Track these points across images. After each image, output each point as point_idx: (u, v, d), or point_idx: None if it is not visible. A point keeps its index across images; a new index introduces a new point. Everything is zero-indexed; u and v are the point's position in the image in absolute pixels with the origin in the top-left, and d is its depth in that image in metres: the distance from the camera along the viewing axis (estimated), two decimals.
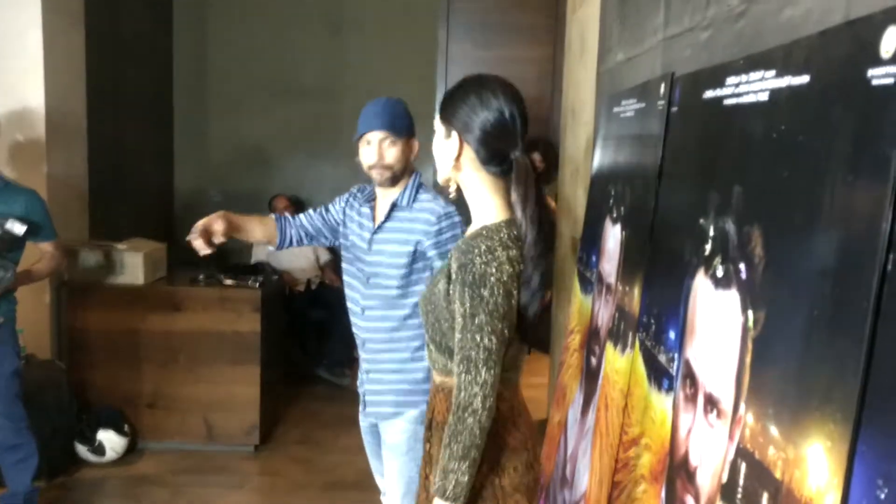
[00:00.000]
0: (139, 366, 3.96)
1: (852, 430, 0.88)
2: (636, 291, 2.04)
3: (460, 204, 2.14)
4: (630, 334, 2.07)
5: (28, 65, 3.68)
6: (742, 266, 1.29)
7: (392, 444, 2.31)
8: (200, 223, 2.30)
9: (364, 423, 2.48)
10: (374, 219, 2.31)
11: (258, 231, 2.48)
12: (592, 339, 2.58)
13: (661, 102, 1.95)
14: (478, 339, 1.49)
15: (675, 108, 1.87)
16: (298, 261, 5.50)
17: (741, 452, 1.21)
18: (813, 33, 1.13)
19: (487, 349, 1.48)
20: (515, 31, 5.99)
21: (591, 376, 2.52)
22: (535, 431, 1.66)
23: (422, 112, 6.19)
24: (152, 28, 5.64)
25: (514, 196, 1.55)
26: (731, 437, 1.26)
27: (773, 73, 1.24)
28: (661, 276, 1.83)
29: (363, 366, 2.38)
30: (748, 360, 1.22)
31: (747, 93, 1.36)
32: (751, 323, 1.23)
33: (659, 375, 1.73)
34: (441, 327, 1.62)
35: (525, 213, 1.54)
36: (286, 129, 6.00)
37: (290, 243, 2.51)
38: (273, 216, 2.54)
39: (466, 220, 1.82)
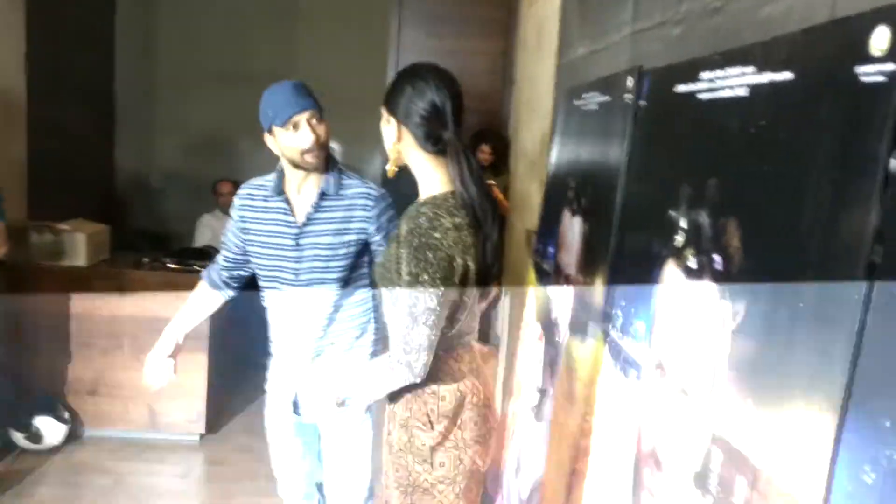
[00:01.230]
0: (81, 351, 3.85)
1: (838, 418, 0.90)
2: (599, 283, 2.07)
3: (400, 182, 2.23)
4: (592, 325, 2.09)
5: None
6: (717, 258, 1.31)
7: (340, 439, 2.26)
8: (149, 371, 2.22)
9: (285, 422, 2.33)
10: (292, 212, 2.16)
11: (206, 307, 2.38)
12: (550, 330, 2.60)
13: (629, 96, 1.97)
14: (421, 297, 1.62)
15: (643, 102, 1.89)
16: None
17: (716, 440, 1.23)
18: (795, 30, 1.15)
19: (430, 308, 1.62)
20: (468, 22, 5.99)
21: (548, 367, 2.54)
22: (490, 389, 1.83)
23: (373, 101, 6.11)
24: (94, 7, 5.47)
25: (450, 170, 1.73)
26: (704, 425, 1.29)
27: (752, 69, 1.27)
28: (628, 267, 1.85)
29: (291, 367, 2.24)
30: (725, 350, 1.25)
31: (723, 87, 1.38)
32: (728, 314, 1.25)
33: (626, 366, 1.75)
34: (398, 292, 1.75)
35: (462, 183, 1.71)
36: (233, 115, 5.87)
37: (238, 284, 2.38)
38: (202, 281, 2.41)
39: (413, 195, 1.93)
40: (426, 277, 1.61)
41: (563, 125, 2.85)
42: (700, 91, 1.48)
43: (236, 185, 5.63)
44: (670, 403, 1.46)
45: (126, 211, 5.99)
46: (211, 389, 3.98)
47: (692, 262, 1.42)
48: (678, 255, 1.49)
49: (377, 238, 2.14)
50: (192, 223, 5.55)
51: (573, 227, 2.46)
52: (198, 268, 3.94)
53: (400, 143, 1.79)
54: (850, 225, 0.94)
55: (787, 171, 1.13)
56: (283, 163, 2.16)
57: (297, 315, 2.17)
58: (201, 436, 4.00)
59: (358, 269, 2.17)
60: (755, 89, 1.25)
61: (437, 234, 1.64)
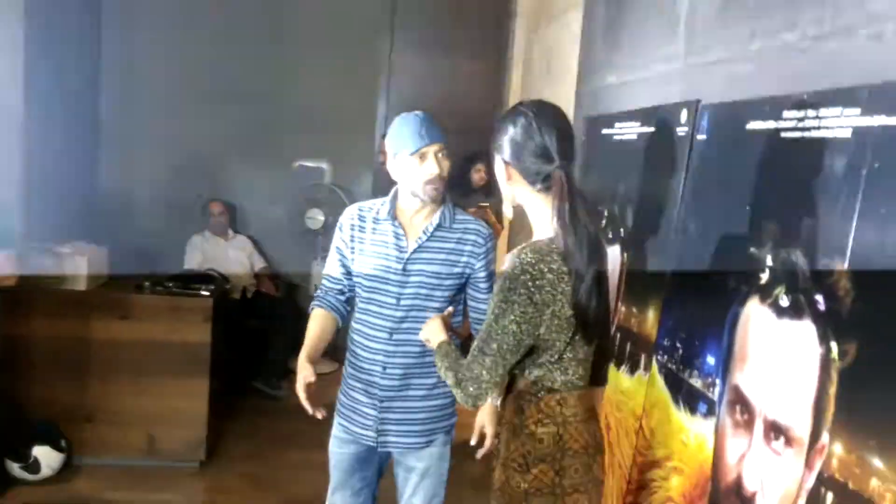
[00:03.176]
0: (78, 376, 3.72)
1: None
2: (650, 314, 2.07)
3: None
4: (642, 356, 2.09)
5: None
6: (819, 297, 1.32)
7: (421, 469, 2.21)
8: (303, 391, 2.09)
9: (347, 449, 2.26)
10: (405, 238, 2.15)
11: (327, 333, 2.26)
12: None
13: (684, 129, 1.99)
14: (496, 336, 1.59)
15: (701, 136, 1.90)
16: (233, 268, 5.33)
17: (826, 481, 1.23)
18: None
19: (500, 348, 1.60)
20: (459, 44, 6.01)
21: None
22: (598, 438, 1.71)
23: (363, 123, 6.04)
24: (80, 23, 5.36)
25: (552, 208, 1.64)
26: (808, 465, 1.29)
27: (857, 111, 1.28)
28: (692, 300, 1.85)
29: (375, 392, 2.18)
30: (832, 390, 1.25)
31: (817, 127, 1.39)
32: (835, 354, 1.26)
33: (692, 400, 1.75)
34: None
35: (560, 224, 1.61)
36: (220, 134, 5.80)
37: (352, 307, 2.31)
38: (320, 309, 2.28)
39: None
40: (508, 320, 1.58)
41: (587, 153, 2.86)
42: (785, 129, 1.50)
43: (227, 206, 5.62)
44: (755, 441, 1.46)
45: (109, 230, 5.85)
46: (211, 415, 3.89)
47: (783, 300, 1.43)
48: (764, 292, 1.50)
49: (482, 275, 2.13)
50: (175, 243, 5.45)
51: (609, 256, 2.46)
52: (203, 292, 3.86)
53: (511, 183, 1.73)
54: None
55: None
56: (400, 190, 2.15)
57: (391, 341, 2.14)
58: (201, 463, 3.89)
59: (456, 304, 2.15)
60: (862, 131, 1.26)
61: (531, 281, 1.58)
